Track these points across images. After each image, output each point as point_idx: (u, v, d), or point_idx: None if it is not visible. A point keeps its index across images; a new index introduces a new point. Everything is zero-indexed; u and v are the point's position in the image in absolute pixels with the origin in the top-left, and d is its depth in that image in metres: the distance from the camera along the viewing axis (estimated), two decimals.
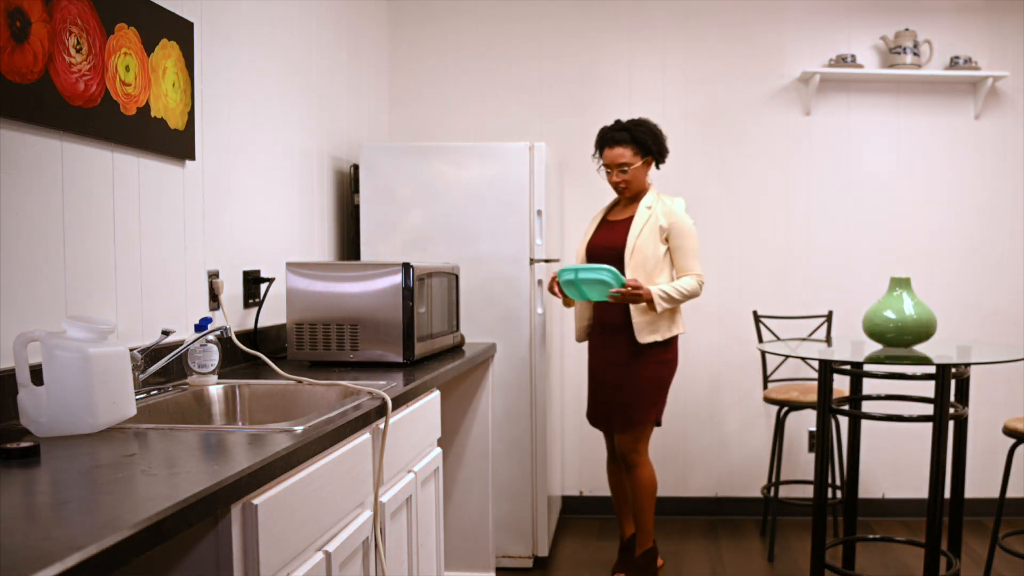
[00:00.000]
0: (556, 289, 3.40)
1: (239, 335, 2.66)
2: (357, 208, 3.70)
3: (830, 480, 4.02)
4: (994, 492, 4.32)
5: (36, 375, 1.60)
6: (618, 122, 3.47)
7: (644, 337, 3.33)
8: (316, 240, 3.42)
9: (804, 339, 4.12)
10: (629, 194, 3.45)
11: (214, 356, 2.25)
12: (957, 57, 4.26)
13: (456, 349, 3.17)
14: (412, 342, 2.67)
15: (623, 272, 3.31)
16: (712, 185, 4.40)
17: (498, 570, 3.64)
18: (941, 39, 4.33)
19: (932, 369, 2.98)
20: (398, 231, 3.62)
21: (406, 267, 2.66)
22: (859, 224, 4.40)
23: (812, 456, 4.41)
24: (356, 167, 3.74)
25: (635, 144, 3.39)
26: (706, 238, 4.16)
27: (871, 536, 3.79)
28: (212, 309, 2.57)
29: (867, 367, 3.22)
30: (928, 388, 3.27)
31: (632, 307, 3.33)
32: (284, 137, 3.09)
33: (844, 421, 4.00)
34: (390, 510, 2.14)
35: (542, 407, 3.70)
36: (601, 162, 3.47)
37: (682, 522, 4.40)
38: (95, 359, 1.59)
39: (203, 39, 2.50)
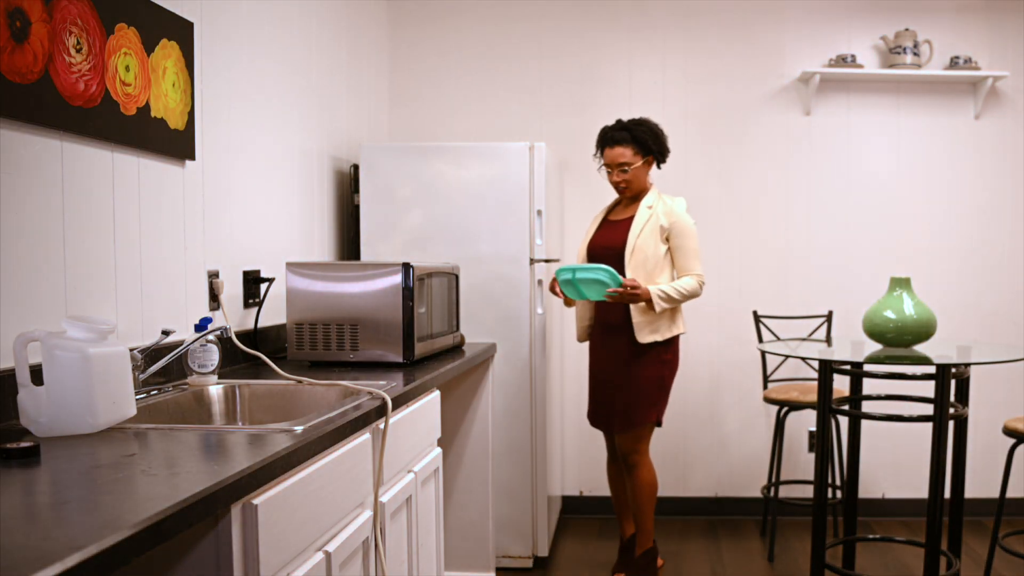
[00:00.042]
0: (557, 289, 3.40)
1: (239, 335, 2.66)
2: (357, 208, 3.70)
3: (830, 480, 4.02)
4: (994, 492, 4.32)
5: (36, 375, 1.60)
6: (619, 121, 3.47)
7: (644, 337, 3.33)
8: (316, 240, 3.42)
9: (804, 339, 4.12)
10: (630, 194, 3.45)
11: (214, 356, 2.25)
12: (957, 57, 4.26)
13: (456, 349, 3.17)
14: (412, 342, 2.67)
15: (623, 272, 3.31)
16: (712, 185, 4.40)
17: (498, 570, 3.64)
18: (941, 39, 4.33)
19: (932, 369, 2.98)
20: (398, 231, 3.62)
21: (406, 267, 2.66)
22: (859, 224, 4.41)
23: (812, 456, 4.41)
24: (356, 167, 3.74)
25: (635, 144, 3.39)
26: (706, 238, 4.16)
27: (871, 536, 3.79)
28: (212, 309, 2.57)
29: (867, 367, 3.22)
30: (928, 388, 3.27)
31: (632, 307, 3.33)
32: (284, 137, 3.09)
33: (844, 421, 4.00)
34: (390, 510, 2.14)
35: (542, 407, 3.70)
36: (602, 162, 3.47)
37: (682, 522, 4.40)
38: (95, 359, 1.59)
39: (203, 39, 2.50)
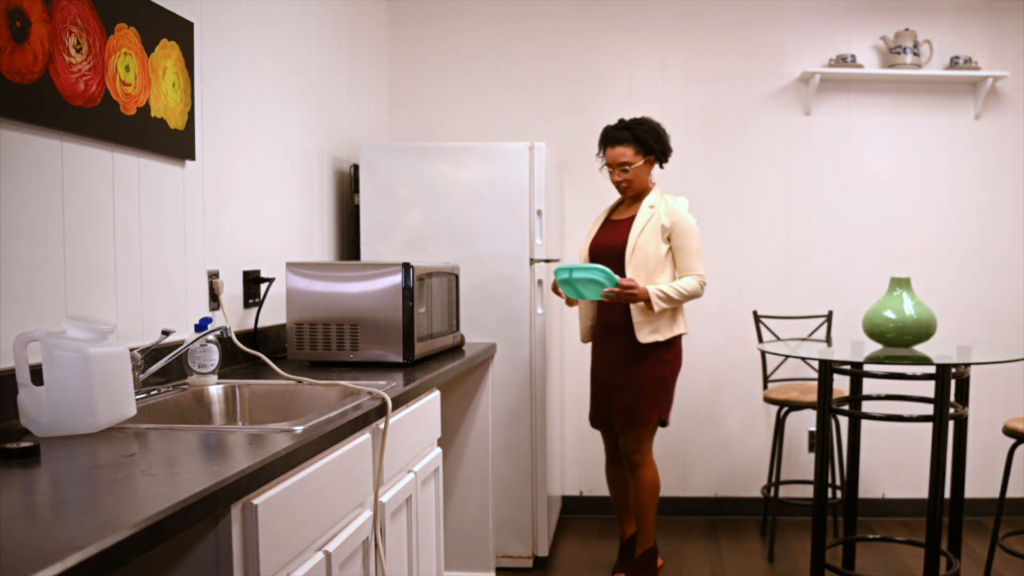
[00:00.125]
0: (558, 289, 3.40)
1: (239, 335, 2.66)
2: (357, 208, 3.70)
3: (830, 480, 4.02)
4: (994, 492, 4.32)
5: (36, 375, 1.60)
6: (621, 121, 3.46)
7: (644, 337, 3.32)
8: (316, 240, 3.42)
9: (804, 339, 4.12)
10: (631, 193, 3.45)
11: (214, 356, 2.25)
12: (957, 57, 4.26)
13: (456, 349, 3.17)
14: (412, 342, 2.67)
15: (624, 272, 3.31)
16: (712, 185, 4.40)
17: (498, 570, 3.64)
18: (941, 39, 4.33)
19: (932, 369, 2.98)
20: (398, 231, 3.62)
21: (406, 267, 2.66)
22: (859, 224, 4.41)
23: (812, 456, 4.41)
24: (356, 167, 3.74)
25: (637, 143, 3.39)
26: (706, 238, 4.16)
27: (871, 536, 3.79)
28: (212, 309, 2.57)
29: (867, 367, 3.22)
30: (928, 388, 3.28)
31: (632, 307, 3.33)
32: (284, 137, 3.09)
33: (844, 421, 4.00)
34: (390, 510, 2.14)
35: (542, 407, 3.70)
36: (604, 161, 3.47)
37: (682, 522, 4.40)
38: (95, 359, 1.59)
39: (203, 39, 2.50)
